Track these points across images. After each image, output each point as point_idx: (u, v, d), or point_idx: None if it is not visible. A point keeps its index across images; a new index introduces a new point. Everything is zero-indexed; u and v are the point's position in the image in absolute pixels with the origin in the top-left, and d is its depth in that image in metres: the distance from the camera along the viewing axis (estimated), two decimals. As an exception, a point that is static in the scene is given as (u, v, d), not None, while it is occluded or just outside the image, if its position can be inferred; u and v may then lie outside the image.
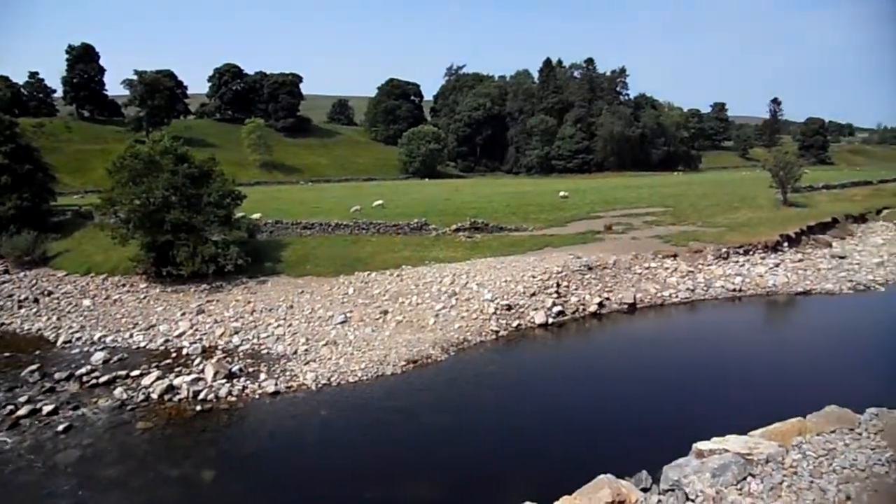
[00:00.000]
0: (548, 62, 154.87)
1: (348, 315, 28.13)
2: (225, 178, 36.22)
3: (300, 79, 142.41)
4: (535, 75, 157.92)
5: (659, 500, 13.06)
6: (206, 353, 25.69)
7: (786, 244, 41.40)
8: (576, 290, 30.64)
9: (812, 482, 12.55)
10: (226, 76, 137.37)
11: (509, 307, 28.30)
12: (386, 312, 28.43)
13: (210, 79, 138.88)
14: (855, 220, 55.49)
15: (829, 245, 44.06)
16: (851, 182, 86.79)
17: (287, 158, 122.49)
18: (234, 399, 21.26)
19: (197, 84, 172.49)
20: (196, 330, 28.01)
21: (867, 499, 11.85)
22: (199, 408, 20.66)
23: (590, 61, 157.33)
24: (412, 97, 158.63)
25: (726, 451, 13.74)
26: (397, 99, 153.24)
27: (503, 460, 16.42)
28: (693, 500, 12.51)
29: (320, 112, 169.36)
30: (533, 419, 19.09)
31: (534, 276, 30.53)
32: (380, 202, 53.49)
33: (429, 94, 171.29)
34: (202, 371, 23.17)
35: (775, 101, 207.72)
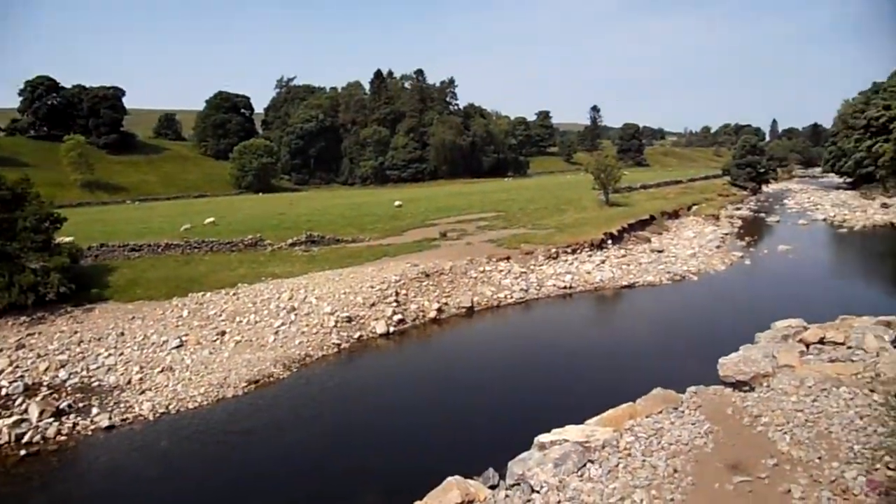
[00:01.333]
0: (379, 73, 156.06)
1: (184, 339, 26.94)
2: (42, 200, 33.68)
3: (122, 92, 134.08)
4: (367, 86, 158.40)
5: (506, 496, 13.46)
6: (30, 390, 23.55)
7: (610, 242, 43.85)
8: (415, 297, 30.98)
9: (644, 461, 13.39)
10: (39, 89, 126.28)
11: (350, 319, 28.17)
12: (223, 333, 27.47)
13: (21, 92, 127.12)
14: (669, 217, 59.85)
15: (649, 240, 47.14)
16: (665, 181, 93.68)
17: (111, 177, 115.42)
18: (64, 438, 19.70)
19: (6, 98, 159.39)
20: (16, 367, 25.67)
21: (690, 469, 12.83)
22: (23, 452, 18.90)
23: (420, 72, 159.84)
24: (242, 110, 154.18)
25: (566, 440, 14.40)
26: (227, 112, 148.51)
27: (350, 474, 16.25)
28: (539, 492, 13.00)
29: (145, 127, 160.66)
30: (379, 429, 19.06)
31: (372, 287, 30.57)
32: (212, 219, 51.68)
33: (259, 106, 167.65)
34: (25, 411, 21.30)
35: (595, 109, 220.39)
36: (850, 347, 20.15)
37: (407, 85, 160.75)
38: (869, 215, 69.00)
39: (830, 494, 11.28)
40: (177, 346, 26.35)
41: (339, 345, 26.59)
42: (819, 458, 12.69)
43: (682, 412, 15.98)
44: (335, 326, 27.60)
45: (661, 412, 16.03)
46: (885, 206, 75.36)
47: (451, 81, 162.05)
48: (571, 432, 14.87)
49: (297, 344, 26.30)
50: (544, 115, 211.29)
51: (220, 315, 28.88)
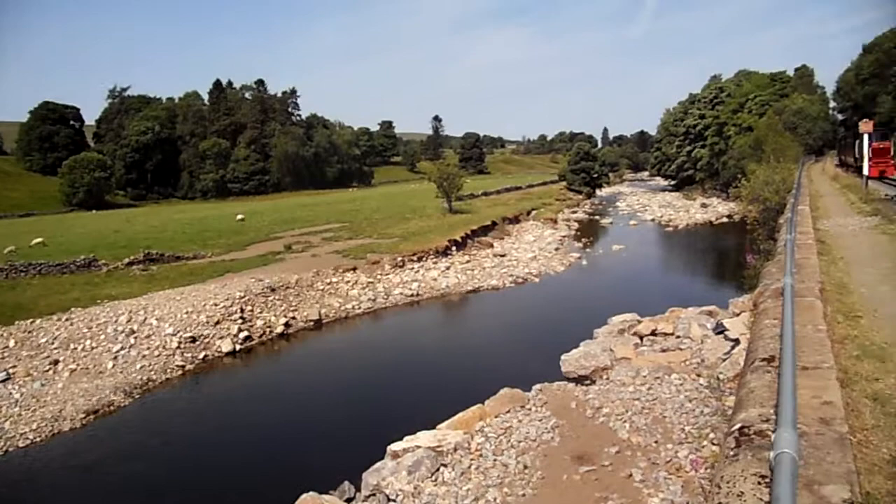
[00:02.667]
0: (218, 84, 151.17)
1: (11, 371, 24.79)
2: None
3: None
4: (206, 97, 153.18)
5: (362, 506, 13.40)
6: None
7: (454, 248, 44.59)
8: (261, 313, 30.17)
9: (496, 460, 13.67)
10: None
11: (194, 339, 27.01)
12: (57, 362, 25.54)
13: None
14: (510, 222, 61.66)
15: (492, 245, 48.36)
16: (505, 188, 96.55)
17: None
18: None
19: None
20: None
21: (539, 463, 13.24)
22: None
23: (260, 82, 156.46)
24: (72, 122, 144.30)
25: (418, 447, 14.46)
26: (54, 124, 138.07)
27: (202, 500, 15.64)
28: (394, 500, 12.99)
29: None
30: (229, 450, 18.40)
31: (216, 304, 29.48)
32: (40, 240, 48.04)
33: (90, 118, 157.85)
34: None
35: (436, 119, 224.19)
36: (678, 337, 21.57)
37: (247, 95, 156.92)
38: (691, 215, 74.30)
39: (666, 474, 11.98)
40: (3, 380, 24.22)
41: (183, 367, 25.41)
42: (656, 441, 13.44)
43: (530, 409, 16.47)
44: (178, 348, 26.36)
45: (509, 411, 16.44)
46: (704, 205, 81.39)
47: (293, 92, 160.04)
48: (423, 438, 14.97)
49: (139, 368, 24.87)
50: (387, 125, 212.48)
51: (53, 343, 26.84)
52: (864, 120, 40.36)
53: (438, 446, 14.48)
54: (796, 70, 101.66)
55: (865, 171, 37.26)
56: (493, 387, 18.00)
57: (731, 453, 4.60)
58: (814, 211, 24.89)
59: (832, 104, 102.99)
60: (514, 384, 18.04)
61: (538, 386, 18.03)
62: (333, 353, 27.53)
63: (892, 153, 44.53)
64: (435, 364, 25.07)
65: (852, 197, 32.12)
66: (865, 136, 37.29)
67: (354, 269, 36.97)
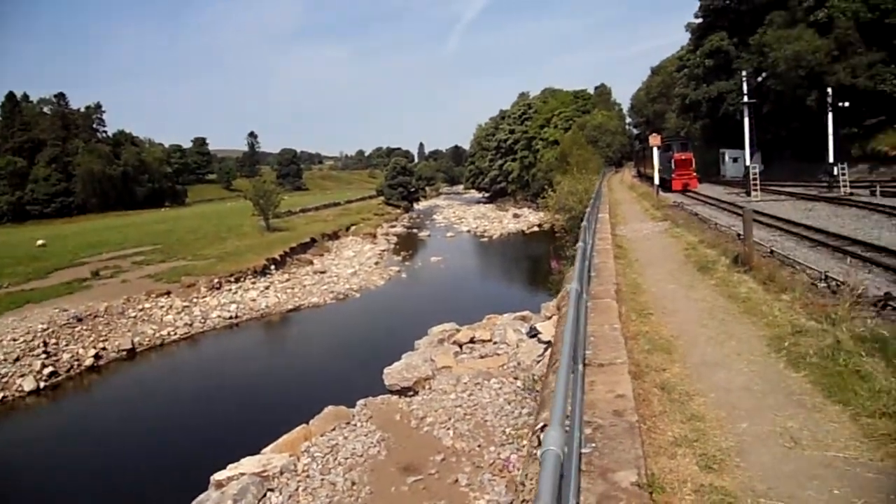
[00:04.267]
0: (11, 97, 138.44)
1: None
2: None
3: None
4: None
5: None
6: None
7: (273, 267, 43.76)
8: (67, 345, 28.12)
9: (323, 479, 13.64)
10: None
11: (-11, 378, 24.77)
12: None
13: None
14: (330, 238, 61.43)
15: (311, 262, 47.94)
16: (324, 204, 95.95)
17: None
18: None
19: None
20: None
21: (367, 478, 13.36)
22: None
23: (61, 96, 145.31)
24: None
25: (243, 474, 14.14)
26: None
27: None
28: (220, 529, 12.65)
29: None
30: (28, 499, 17.09)
31: (15, 340, 27.12)
32: None
33: None
34: None
35: (252, 135, 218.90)
36: (495, 342, 22.47)
37: (46, 110, 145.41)
38: (504, 225, 77.39)
39: (490, 476, 12.49)
40: None
41: (-26, 410, 23.21)
42: (479, 445, 13.96)
43: (355, 425, 16.56)
44: (-32, 390, 24.05)
45: (334, 429, 16.45)
46: (516, 216, 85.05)
47: (98, 106, 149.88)
48: (248, 464, 14.65)
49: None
50: (201, 142, 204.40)
51: None
52: (653, 134, 43.82)
53: (264, 471, 14.22)
54: (596, 88, 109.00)
55: (656, 181, 40.41)
56: (317, 406, 17.91)
57: (535, 452, 4.97)
58: (612, 218, 26.80)
59: (628, 119, 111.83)
60: (339, 401, 18.06)
61: (362, 401, 18.16)
62: (149, 384, 26.14)
63: (693, 165, 46.25)
64: (257, 387, 24.46)
65: (646, 204, 34.86)
66: (655, 150, 40.47)
67: (168, 293, 35.34)
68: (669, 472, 5.12)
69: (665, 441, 5.74)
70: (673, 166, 45.07)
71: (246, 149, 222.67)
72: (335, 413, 17.35)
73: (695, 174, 46.11)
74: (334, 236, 63.33)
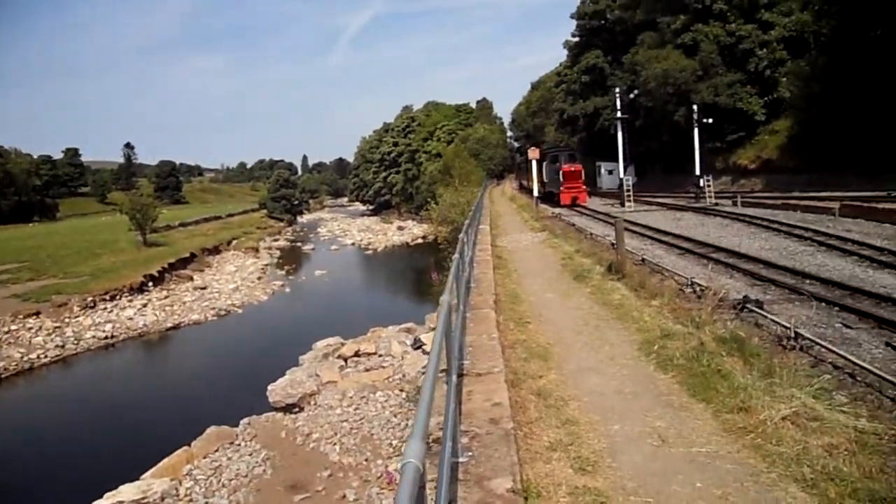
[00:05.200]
0: None
1: None
2: None
3: None
4: None
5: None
6: None
7: (151, 283, 42.23)
8: (-84, 374, 26.17)
9: (207, 503, 13.32)
10: None
11: None
12: None
13: None
14: (210, 253, 59.83)
15: (191, 278, 46.57)
16: (204, 218, 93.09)
17: None
18: None
19: None
20: None
21: (253, 499, 13.11)
22: None
23: None
24: None
25: (121, 502, 13.62)
26: None
27: None
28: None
29: None
30: None
31: None
32: None
33: None
34: None
35: (128, 146, 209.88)
36: (380, 355, 22.57)
37: None
38: (389, 237, 77.69)
39: (378, 489, 12.50)
40: None
41: None
42: (366, 459, 13.97)
43: (240, 445, 16.23)
44: None
45: (217, 450, 16.07)
46: (401, 228, 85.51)
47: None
48: (127, 492, 14.11)
49: None
50: (73, 153, 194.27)
51: None
52: (531, 147, 44.88)
53: (144, 498, 13.74)
54: (478, 102, 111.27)
55: (535, 193, 41.34)
56: (199, 427, 17.43)
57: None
58: (493, 229, 27.35)
59: (509, 133, 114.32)
60: (222, 421, 17.65)
61: (246, 420, 17.82)
62: (15, 412, 24.51)
63: (583, 177, 42.82)
64: (135, 410, 23.43)
65: (526, 216, 35.73)
66: (534, 163, 41.40)
67: (38, 313, 33.43)
68: (545, 476, 5.31)
69: (541, 446, 5.95)
70: (561, 178, 41.96)
71: (122, 160, 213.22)
72: (218, 433, 16.94)
73: (584, 187, 42.74)
74: (215, 251, 61.74)
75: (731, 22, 43.30)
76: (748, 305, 11.43)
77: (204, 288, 43.60)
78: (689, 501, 5.08)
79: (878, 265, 15.16)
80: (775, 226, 22.86)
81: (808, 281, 13.89)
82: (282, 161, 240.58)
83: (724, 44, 43.11)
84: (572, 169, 42.23)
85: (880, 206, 23.35)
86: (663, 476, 5.51)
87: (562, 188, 41.51)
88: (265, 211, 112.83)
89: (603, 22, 60.48)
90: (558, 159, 44.80)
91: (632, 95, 49.12)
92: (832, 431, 6.16)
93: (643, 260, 16.83)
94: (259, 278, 48.83)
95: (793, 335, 9.54)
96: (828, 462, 5.49)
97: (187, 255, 53.79)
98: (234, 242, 68.82)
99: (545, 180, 44.80)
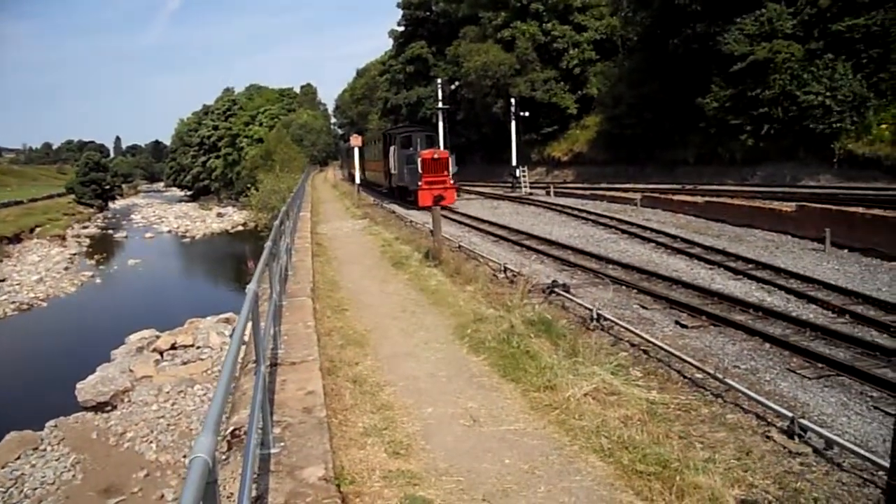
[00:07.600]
0: None
1: None
2: None
3: None
4: None
5: None
6: None
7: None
8: None
9: (8, 518, 12.37)
10: None
11: None
12: None
13: None
14: (10, 241, 54.98)
15: (-15, 270, 42.77)
16: (3, 203, 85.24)
17: None
18: None
19: None
20: None
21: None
22: None
23: None
24: None
25: None
26: None
27: None
28: None
29: None
30: None
31: None
32: None
33: None
34: None
35: None
36: (198, 347, 21.86)
37: None
38: (208, 224, 74.97)
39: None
40: None
41: None
42: (184, 456, 13.51)
43: (45, 450, 15.20)
44: None
45: (19, 457, 14.96)
46: (220, 215, 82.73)
47: None
48: None
49: None
50: None
51: None
52: (354, 135, 44.83)
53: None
54: (302, 87, 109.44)
55: (357, 180, 41.24)
56: (-3, 434, 16.11)
57: (223, 456, 4.98)
58: (314, 216, 27.13)
59: (333, 119, 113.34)
60: (24, 425, 16.41)
61: (53, 422, 16.68)
62: None
63: (450, 167, 30.76)
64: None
65: (348, 203, 35.70)
66: (356, 150, 41.22)
67: None
68: (359, 462, 5.39)
69: (356, 433, 6.03)
70: (420, 170, 29.85)
71: None
72: (19, 439, 15.76)
73: (451, 182, 30.97)
74: (16, 239, 56.79)
75: (547, 22, 45.64)
76: (556, 289, 12.11)
77: (3, 280, 40.07)
78: (498, 477, 5.34)
79: (671, 251, 16.61)
80: (584, 215, 24.37)
81: (611, 266, 14.94)
82: (92, 142, 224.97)
83: (540, 42, 45.41)
84: (435, 157, 30.48)
85: (675, 197, 25.60)
86: (474, 455, 5.75)
87: (421, 183, 29.80)
88: (73, 196, 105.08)
89: (428, 13, 61.55)
90: (412, 142, 33.31)
91: (454, 87, 50.24)
92: (628, 404, 6.70)
93: (460, 247, 17.33)
94: (66, 269, 45.54)
95: (595, 316, 10.25)
96: (623, 432, 5.96)
97: (-19, 244, 49.27)
98: (38, 230, 63.62)
99: (393, 171, 34.82)
